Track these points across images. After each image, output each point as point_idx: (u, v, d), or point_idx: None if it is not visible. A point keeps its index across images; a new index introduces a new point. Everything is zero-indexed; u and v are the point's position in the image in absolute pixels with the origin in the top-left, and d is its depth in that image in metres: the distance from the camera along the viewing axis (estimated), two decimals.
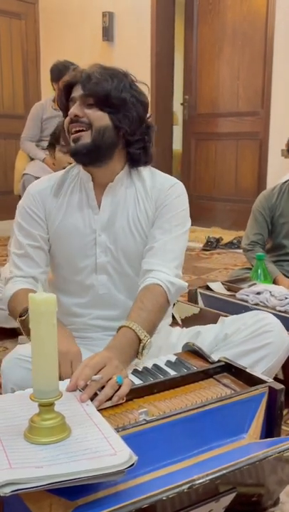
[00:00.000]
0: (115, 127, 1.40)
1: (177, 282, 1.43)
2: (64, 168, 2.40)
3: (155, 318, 1.37)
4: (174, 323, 2.25)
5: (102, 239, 1.47)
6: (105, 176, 1.46)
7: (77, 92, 1.40)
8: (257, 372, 1.26)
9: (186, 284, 1.48)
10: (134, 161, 1.48)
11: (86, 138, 1.39)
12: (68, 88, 1.43)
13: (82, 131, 1.39)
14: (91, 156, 1.41)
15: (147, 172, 1.51)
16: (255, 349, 1.43)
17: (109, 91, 1.37)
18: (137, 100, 1.42)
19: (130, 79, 1.44)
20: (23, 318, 1.38)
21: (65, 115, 1.45)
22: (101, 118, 1.39)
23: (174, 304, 2.12)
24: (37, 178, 3.77)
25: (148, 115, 1.47)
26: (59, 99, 1.47)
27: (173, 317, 2.25)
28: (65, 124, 1.44)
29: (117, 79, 1.39)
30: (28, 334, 1.31)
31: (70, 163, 2.45)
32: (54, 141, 2.47)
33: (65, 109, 1.46)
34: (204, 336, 1.53)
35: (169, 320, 1.64)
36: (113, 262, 1.48)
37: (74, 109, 1.39)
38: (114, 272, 1.49)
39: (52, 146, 2.54)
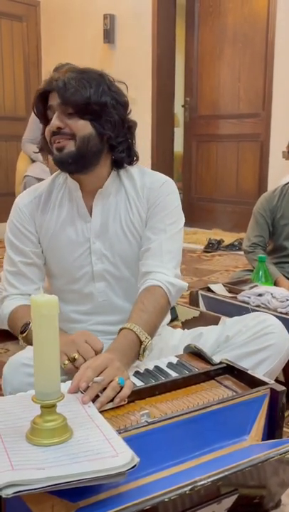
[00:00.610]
0: (99, 134, 1.37)
1: (177, 283, 1.42)
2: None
3: (156, 320, 1.37)
4: (176, 325, 2.25)
5: (97, 246, 1.46)
6: (93, 182, 1.44)
7: (55, 100, 1.36)
8: (258, 374, 1.26)
9: (187, 284, 1.48)
10: (119, 164, 1.46)
11: (70, 146, 1.36)
12: (44, 95, 1.39)
13: (66, 140, 1.36)
14: (77, 165, 1.38)
15: (136, 171, 1.49)
16: (256, 351, 1.43)
17: (89, 98, 1.33)
18: (117, 102, 1.39)
19: (108, 79, 1.40)
20: (25, 334, 1.38)
21: (44, 122, 1.42)
22: (84, 127, 1.36)
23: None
24: (38, 179, 3.79)
25: (128, 111, 1.44)
26: (36, 106, 1.41)
27: (175, 319, 2.25)
28: (46, 134, 1.41)
29: (94, 83, 1.35)
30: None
31: None
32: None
33: (42, 117, 1.42)
34: (206, 338, 1.52)
35: (168, 319, 1.63)
36: (110, 268, 1.48)
37: (55, 121, 1.35)
38: (111, 278, 1.49)
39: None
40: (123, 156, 1.44)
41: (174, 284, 1.41)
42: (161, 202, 1.46)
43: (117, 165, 1.46)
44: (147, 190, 1.46)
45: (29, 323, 1.36)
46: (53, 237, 1.48)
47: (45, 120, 1.41)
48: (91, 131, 1.36)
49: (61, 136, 1.36)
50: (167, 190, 1.48)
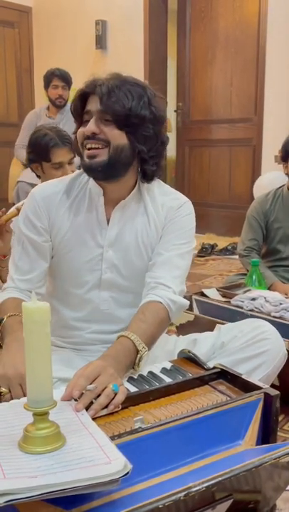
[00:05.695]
0: (132, 146, 1.36)
1: (178, 300, 1.43)
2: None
3: (155, 331, 1.37)
4: (170, 329, 2.24)
5: (109, 255, 1.45)
6: (116, 191, 1.43)
7: (95, 105, 1.34)
8: (252, 378, 1.26)
9: (188, 302, 1.49)
10: (148, 177, 1.45)
11: (103, 156, 1.35)
12: (84, 97, 1.37)
13: (99, 148, 1.35)
14: (106, 174, 1.37)
15: (156, 187, 1.50)
16: (251, 357, 1.43)
17: (130, 109, 1.31)
18: (154, 117, 1.37)
19: (149, 93, 1.38)
20: None
21: (78, 122, 1.40)
22: (119, 137, 1.34)
23: None
24: (31, 185, 3.78)
25: (164, 127, 1.43)
26: (74, 107, 1.39)
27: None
28: (78, 136, 1.39)
29: (137, 95, 1.33)
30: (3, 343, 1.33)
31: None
32: (43, 159, 2.34)
33: (78, 116, 1.40)
34: (201, 344, 1.52)
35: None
36: (118, 278, 1.46)
37: (91, 126, 1.34)
38: (117, 289, 1.48)
39: (36, 161, 2.38)
40: (154, 169, 1.43)
41: (175, 301, 1.42)
42: (178, 221, 1.48)
43: (146, 178, 1.45)
44: (167, 208, 1.48)
45: (2, 319, 1.34)
46: (67, 236, 1.45)
47: (80, 121, 1.39)
48: (125, 142, 1.35)
49: (95, 142, 1.35)
50: (186, 211, 1.51)
